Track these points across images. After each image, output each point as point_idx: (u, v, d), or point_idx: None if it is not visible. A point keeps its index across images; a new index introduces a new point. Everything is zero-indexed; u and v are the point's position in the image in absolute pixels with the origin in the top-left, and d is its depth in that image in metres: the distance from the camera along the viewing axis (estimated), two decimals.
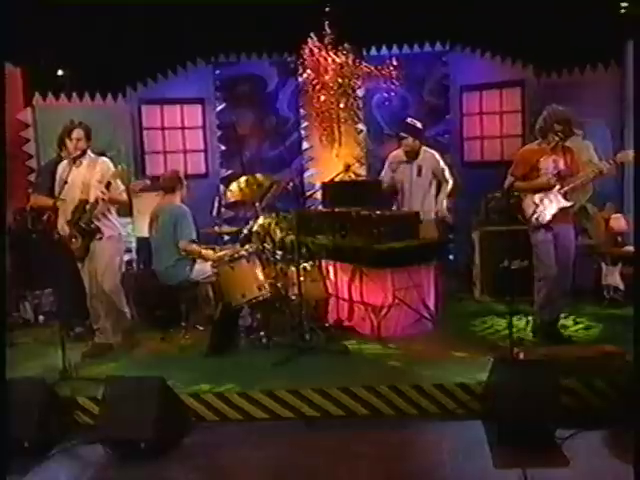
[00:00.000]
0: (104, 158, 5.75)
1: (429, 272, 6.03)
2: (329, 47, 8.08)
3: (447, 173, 6.60)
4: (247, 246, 6.15)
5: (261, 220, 6.64)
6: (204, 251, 5.92)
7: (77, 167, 5.61)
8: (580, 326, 5.88)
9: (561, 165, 5.35)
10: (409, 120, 6.60)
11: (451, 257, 8.20)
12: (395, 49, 8.52)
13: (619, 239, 6.92)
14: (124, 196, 5.77)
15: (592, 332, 5.71)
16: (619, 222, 6.93)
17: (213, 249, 6.16)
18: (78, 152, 5.57)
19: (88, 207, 5.49)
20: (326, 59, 8.13)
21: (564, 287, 5.42)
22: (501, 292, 6.17)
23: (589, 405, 4.44)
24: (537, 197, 5.34)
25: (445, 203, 6.66)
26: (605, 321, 5.98)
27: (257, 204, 7.03)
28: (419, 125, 6.56)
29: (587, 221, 6.92)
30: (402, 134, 6.54)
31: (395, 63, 8.04)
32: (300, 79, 8.51)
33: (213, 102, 8.63)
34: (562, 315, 5.62)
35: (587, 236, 6.96)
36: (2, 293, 5.13)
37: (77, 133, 5.56)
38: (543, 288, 5.39)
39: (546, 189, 5.33)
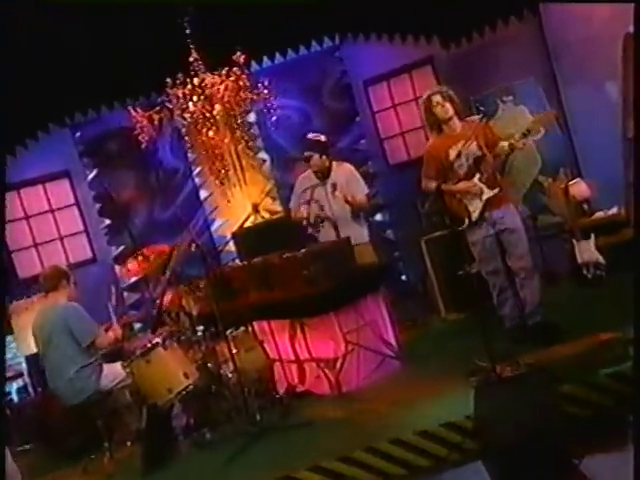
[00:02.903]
0: None
1: (379, 302, 6.05)
2: (202, 73, 8.08)
3: (360, 187, 6.64)
4: (160, 331, 6.07)
5: (170, 295, 6.55)
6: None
7: None
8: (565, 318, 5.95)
9: (474, 150, 5.49)
10: (310, 136, 6.65)
11: (403, 277, 8.26)
12: (278, 57, 8.62)
13: (585, 207, 7.10)
14: None
15: (580, 321, 5.76)
16: (579, 188, 7.12)
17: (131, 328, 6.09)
18: None
19: None
20: (202, 87, 8.12)
21: (525, 277, 5.57)
22: (468, 303, 6.18)
23: (599, 408, 4.45)
24: (459, 194, 5.52)
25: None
26: (592, 304, 6.07)
27: (162, 277, 6.94)
28: (322, 138, 6.61)
29: (544, 195, 7.08)
30: (307, 153, 6.58)
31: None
32: (178, 118, 8.50)
33: (81, 171, 8.58)
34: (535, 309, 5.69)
35: (549, 213, 7.12)
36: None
37: None
38: (497, 286, 5.60)
39: (468, 181, 5.49)
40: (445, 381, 5.27)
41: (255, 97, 7.87)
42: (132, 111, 7.52)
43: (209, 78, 7.96)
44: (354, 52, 8.68)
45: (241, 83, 7.88)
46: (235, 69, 7.71)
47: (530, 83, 7.83)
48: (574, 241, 6.69)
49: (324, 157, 6.51)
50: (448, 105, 5.57)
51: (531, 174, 7.46)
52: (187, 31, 7.70)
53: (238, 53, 7.55)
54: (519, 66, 7.85)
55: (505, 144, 5.42)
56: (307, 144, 6.60)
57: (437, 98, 5.60)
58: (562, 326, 5.48)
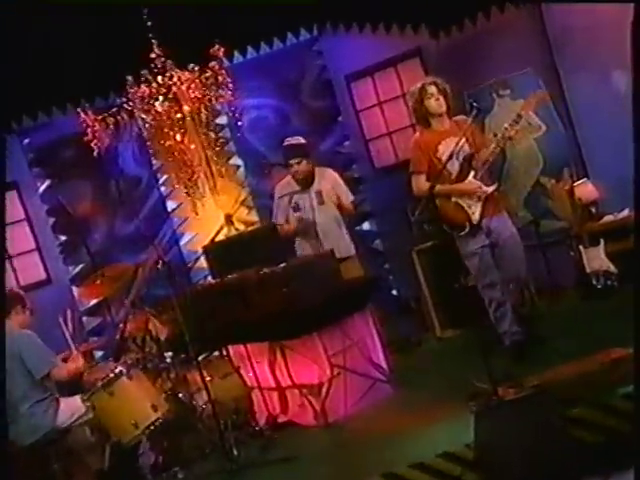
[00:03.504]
0: None
1: (367, 321, 6.08)
2: (166, 71, 8.07)
3: (346, 194, 6.70)
4: (124, 358, 6.06)
5: (135, 319, 6.55)
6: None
7: None
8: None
9: (465, 146, 5.58)
10: (288, 141, 6.69)
11: (393, 292, 8.29)
12: (251, 51, 8.63)
13: (593, 210, 7.16)
14: None
15: (590, 337, 5.79)
16: (586, 189, 7.18)
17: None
18: None
19: None
20: (168, 86, 8.11)
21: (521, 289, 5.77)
22: (466, 319, 6.21)
23: (612, 433, 4.47)
24: (454, 197, 5.63)
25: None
26: (602, 318, 6.10)
27: (125, 299, 6.93)
28: (302, 141, 6.66)
29: (547, 198, 7.14)
30: (290, 160, 6.61)
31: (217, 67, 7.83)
32: (140, 121, 8.49)
33: (32, 182, 8.56)
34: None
35: (553, 218, 7.18)
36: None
37: None
38: (493, 301, 5.70)
39: (462, 181, 5.56)
40: (442, 406, 5.28)
41: (228, 96, 7.88)
42: (82, 114, 7.49)
43: (176, 75, 7.96)
44: (334, 45, 8.70)
45: (220, 79, 7.80)
46: (213, 64, 7.71)
47: (529, 75, 7.90)
48: (581, 248, 6.75)
49: (308, 162, 6.58)
50: (442, 99, 5.65)
51: (532, 175, 7.54)
52: (148, 23, 7.70)
53: (217, 46, 7.56)
54: (516, 56, 7.91)
55: (498, 136, 5.48)
56: (286, 150, 6.64)
57: (432, 89, 5.69)
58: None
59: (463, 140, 5.55)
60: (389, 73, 8.70)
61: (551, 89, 7.77)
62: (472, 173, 5.58)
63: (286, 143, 6.73)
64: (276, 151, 7.68)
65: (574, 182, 7.22)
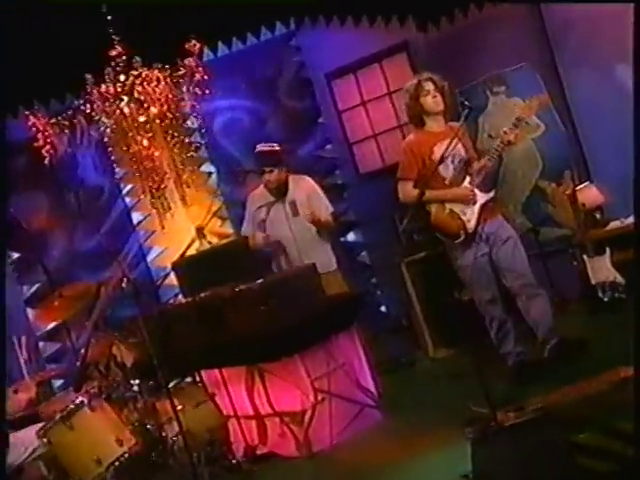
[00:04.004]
0: None
1: (353, 341, 6.08)
2: (131, 69, 8.05)
3: (324, 204, 6.70)
4: (85, 387, 6.03)
5: (97, 343, 6.52)
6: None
7: None
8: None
9: (461, 150, 5.61)
10: (259, 147, 6.69)
11: (382, 309, 8.30)
12: (223, 48, 8.67)
13: (597, 216, 7.18)
14: None
15: (596, 355, 5.81)
16: (590, 193, 7.21)
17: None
18: None
19: None
20: (132, 86, 8.09)
21: (529, 296, 5.69)
22: (461, 337, 6.18)
23: (622, 460, 4.45)
24: (448, 204, 5.64)
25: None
26: (610, 333, 6.10)
27: (87, 322, 6.90)
28: (275, 147, 6.67)
29: (547, 204, 7.16)
30: (264, 168, 6.62)
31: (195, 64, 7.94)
32: (101, 125, 8.46)
33: None
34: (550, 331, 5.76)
35: (554, 225, 7.20)
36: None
37: None
38: (495, 319, 5.71)
39: (458, 187, 5.62)
40: (436, 434, 5.28)
41: (199, 94, 7.89)
42: (31, 117, 7.45)
43: (143, 74, 7.94)
44: (313, 40, 8.74)
45: (197, 77, 7.89)
46: (189, 60, 7.72)
47: (525, 70, 7.96)
48: (585, 258, 6.78)
49: (281, 170, 6.59)
50: (440, 97, 5.67)
51: (530, 178, 7.58)
52: (108, 17, 7.70)
53: (193, 41, 7.57)
54: (512, 50, 7.97)
55: (497, 141, 5.51)
56: (258, 157, 6.65)
57: (429, 86, 5.71)
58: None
59: (458, 143, 5.57)
60: (373, 70, 8.75)
61: (550, 85, 7.85)
62: (468, 179, 5.61)
63: (257, 150, 6.74)
64: (251, 156, 7.65)
65: (576, 185, 7.27)
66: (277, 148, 6.68)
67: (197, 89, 7.83)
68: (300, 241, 6.57)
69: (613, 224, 7.21)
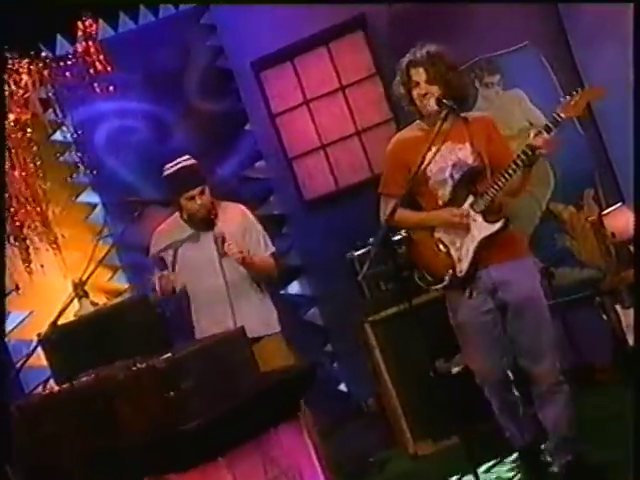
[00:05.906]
0: None
1: (300, 434, 5.98)
2: None
3: (261, 241, 6.69)
4: None
5: None
6: None
7: None
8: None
9: (468, 157, 5.51)
10: (173, 165, 6.54)
11: (342, 387, 8.33)
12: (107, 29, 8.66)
13: (631, 248, 7.16)
14: None
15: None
16: (620, 218, 7.21)
17: None
18: None
19: None
20: None
21: (547, 391, 5.63)
22: (451, 426, 6.24)
23: None
24: (438, 231, 5.52)
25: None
26: None
27: None
28: (192, 161, 6.54)
29: (563, 234, 7.18)
30: (187, 191, 6.48)
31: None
32: None
33: None
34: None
35: (574, 264, 7.22)
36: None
37: None
38: (503, 401, 5.67)
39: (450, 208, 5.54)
40: None
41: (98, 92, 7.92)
42: None
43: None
44: (233, 16, 8.75)
45: (99, 66, 7.84)
46: (89, 44, 7.68)
47: (526, 51, 8.01)
48: (619, 309, 6.79)
49: (205, 194, 6.49)
50: (432, 96, 5.54)
51: (540, 201, 7.58)
52: None
53: (89, 20, 7.53)
54: (507, 25, 8.04)
55: (526, 147, 5.34)
56: (172, 179, 6.52)
57: (419, 75, 5.52)
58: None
59: (465, 144, 5.49)
60: (319, 55, 8.80)
61: (560, 71, 7.85)
62: (470, 199, 5.44)
63: (170, 169, 6.60)
64: (151, 180, 7.60)
65: (602, 209, 7.26)
66: (194, 162, 6.55)
67: (97, 84, 7.84)
68: (233, 292, 6.47)
69: None
